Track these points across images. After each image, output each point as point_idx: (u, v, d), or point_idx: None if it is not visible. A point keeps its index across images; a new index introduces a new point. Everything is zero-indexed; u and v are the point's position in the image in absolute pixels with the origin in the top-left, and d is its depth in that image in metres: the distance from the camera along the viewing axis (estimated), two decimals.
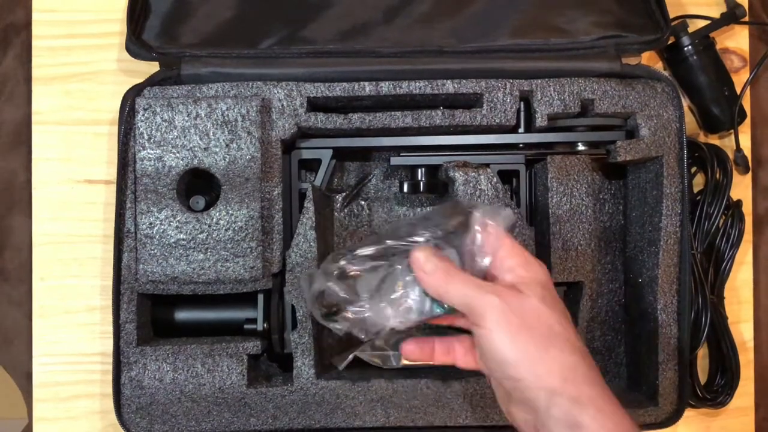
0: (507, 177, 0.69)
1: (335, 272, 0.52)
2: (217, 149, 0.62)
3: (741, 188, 0.72)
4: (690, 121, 0.71)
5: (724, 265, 0.68)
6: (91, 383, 0.68)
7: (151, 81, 0.64)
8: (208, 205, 0.63)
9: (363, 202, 0.72)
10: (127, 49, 0.64)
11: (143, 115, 0.62)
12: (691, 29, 0.69)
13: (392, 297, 0.51)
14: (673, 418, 0.65)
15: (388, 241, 0.53)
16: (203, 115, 0.62)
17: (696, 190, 0.70)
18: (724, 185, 0.68)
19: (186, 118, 0.62)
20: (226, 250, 0.62)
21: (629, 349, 0.70)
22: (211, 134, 0.62)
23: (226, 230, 0.62)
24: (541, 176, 0.67)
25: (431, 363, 0.55)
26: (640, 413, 0.64)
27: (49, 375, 0.68)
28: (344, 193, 0.71)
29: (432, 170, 0.67)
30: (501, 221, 0.51)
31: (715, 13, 0.71)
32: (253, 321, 0.65)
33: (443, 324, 0.55)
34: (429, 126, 0.65)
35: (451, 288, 0.49)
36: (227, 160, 0.62)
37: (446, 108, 0.66)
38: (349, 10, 0.66)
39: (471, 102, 0.66)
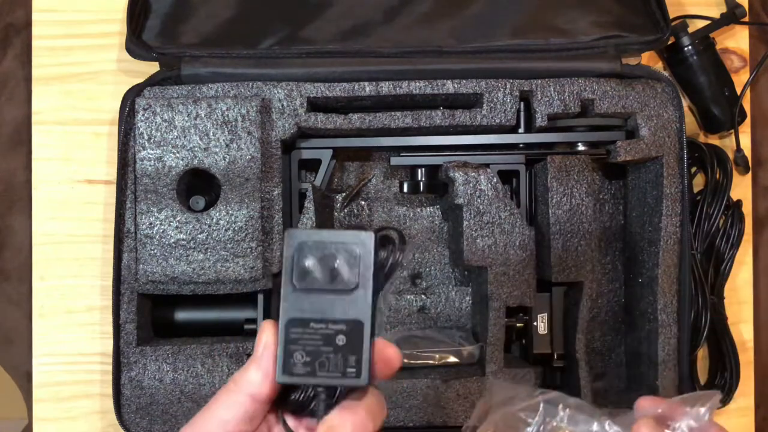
0: (507, 177, 0.69)
1: None
2: (217, 149, 0.62)
3: (741, 188, 0.72)
4: (690, 121, 0.71)
5: (724, 265, 0.68)
6: (91, 383, 0.68)
7: (151, 81, 0.64)
8: (208, 205, 0.63)
9: (363, 202, 0.72)
10: (127, 49, 0.65)
11: (143, 115, 0.62)
12: (691, 29, 0.69)
13: None
14: None
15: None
16: (203, 115, 0.62)
17: (696, 190, 0.70)
18: (724, 185, 0.68)
19: (186, 118, 0.62)
20: (226, 250, 0.62)
21: (629, 349, 0.70)
22: (211, 134, 0.62)
23: (226, 230, 0.62)
24: (541, 176, 0.67)
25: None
26: None
27: (49, 375, 0.68)
28: (344, 193, 0.71)
29: (432, 170, 0.67)
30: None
31: (715, 13, 0.71)
32: (253, 321, 0.65)
33: None
34: (429, 126, 0.65)
35: None
36: (227, 160, 0.62)
37: (446, 108, 0.66)
38: (349, 10, 0.66)
39: (471, 102, 0.66)
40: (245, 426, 0.39)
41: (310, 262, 0.38)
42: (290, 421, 0.40)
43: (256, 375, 0.39)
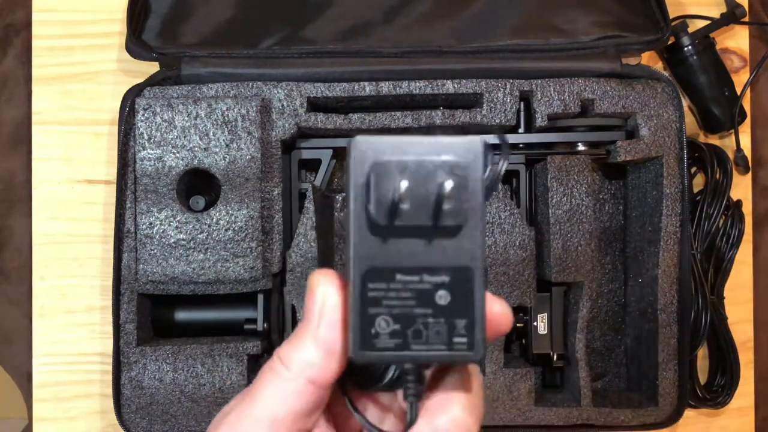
0: (507, 177, 0.69)
1: None
2: (217, 149, 0.62)
3: (741, 188, 0.72)
4: (690, 121, 0.71)
5: (724, 265, 0.68)
6: (91, 383, 0.68)
7: (151, 81, 0.64)
8: (208, 205, 0.63)
9: None
10: (127, 49, 0.64)
11: (143, 115, 0.62)
12: (691, 29, 0.69)
13: None
14: (673, 418, 0.65)
15: None
16: (203, 115, 0.62)
17: (696, 190, 0.70)
18: (724, 185, 0.68)
19: (186, 118, 0.62)
20: (226, 250, 0.62)
21: (629, 349, 0.70)
22: (211, 134, 0.62)
23: (226, 230, 0.62)
24: (541, 176, 0.67)
25: None
26: (640, 413, 0.64)
27: (49, 375, 0.68)
28: (344, 193, 0.71)
29: None
30: None
31: (715, 13, 0.71)
32: (253, 321, 0.65)
33: None
34: (429, 126, 0.65)
35: None
36: (227, 160, 0.62)
37: (446, 108, 0.66)
38: (349, 10, 0.66)
39: (471, 102, 0.66)
40: (303, 423, 0.28)
41: (397, 188, 0.26)
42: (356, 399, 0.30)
43: (316, 353, 0.27)
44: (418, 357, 0.27)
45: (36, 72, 0.69)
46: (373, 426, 0.29)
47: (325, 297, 0.27)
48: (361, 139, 0.27)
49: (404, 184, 0.26)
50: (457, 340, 0.26)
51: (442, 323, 0.27)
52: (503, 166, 0.28)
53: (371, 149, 0.27)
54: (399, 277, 0.27)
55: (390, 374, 0.28)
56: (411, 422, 0.27)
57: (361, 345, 0.26)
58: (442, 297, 0.27)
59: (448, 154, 0.27)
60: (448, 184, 0.26)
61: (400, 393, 0.30)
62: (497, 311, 0.28)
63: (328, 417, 0.31)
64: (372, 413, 0.31)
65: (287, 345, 0.28)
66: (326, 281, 0.27)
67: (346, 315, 0.27)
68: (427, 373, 0.28)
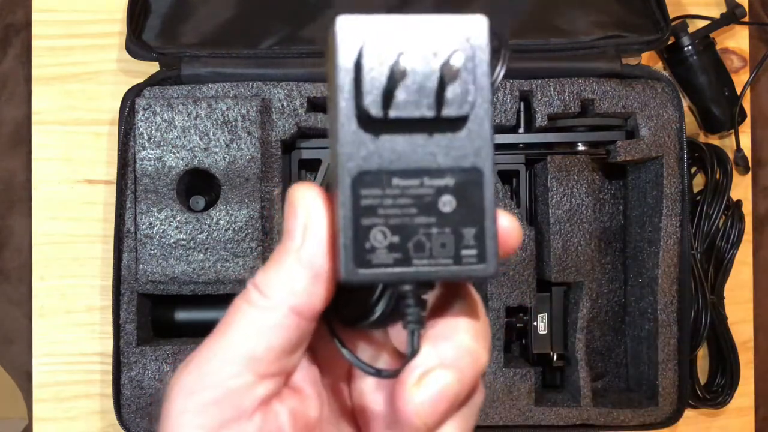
0: (507, 177, 0.69)
1: None
2: (217, 149, 0.62)
3: (741, 188, 0.72)
4: (690, 121, 0.71)
5: (724, 265, 0.68)
6: (91, 383, 0.68)
7: (151, 81, 0.64)
8: (208, 205, 0.63)
9: None
10: (127, 49, 0.65)
11: (143, 115, 0.62)
12: (691, 29, 0.69)
13: None
14: (673, 418, 0.65)
15: None
16: (203, 115, 0.62)
17: (696, 190, 0.70)
18: (724, 185, 0.68)
19: (186, 118, 0.62)
20: (226, 250, 0.62)
21: (629, 349, 0.70)
22: (211, 134, 0.62)
23: (226, 230, 0.62)
24: (541, 176, 0.67)
25: None
26: (640, 413, 0.64)
27: (49, 375, 0.68)
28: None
29: None
30: None
31: (715, 13, 0.71)
32: None
33: None
34: None
35: None
36: (227, 160, 0.62)
37: None
38: (349, 10, 0.66)
39: None
40: (285, 362, 0.24)
41: (394, 69, 0.23)
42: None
43: (301, 277, 0.23)
44: (421, 273, 0.23)
45: (36, 72, 0.69)
46: (365, 364, 0.25)
47: (310, 210, 0.23)
48: (346, 18, 0.24)
49: (403, 63, 0.22)
50: (465, 252, 0.23)
51: (448, 233, 0.23)
52: (505, 59, 0.25)
53: (359, 28, 0.24)
54: (396, 181, 0.23)
55: (382, 306, 0.25)
56: (413, 352, 0.24)
57: (354, 262, 0.23)
58: (447, 203, 0.23)
59: (450, 31, 0.23)
60: (455, 62, 0.22)
61: (393, 331, 0.27)
62: (505, 225, 0.24)
63: (311, 358, 0.27)
64: (363, 354, 0.28)
65: (264, 271, 0.24)
66: (310, 193, 0.23)
67: (334, 231, 0.23)
68: (428, 299, 0.25)
